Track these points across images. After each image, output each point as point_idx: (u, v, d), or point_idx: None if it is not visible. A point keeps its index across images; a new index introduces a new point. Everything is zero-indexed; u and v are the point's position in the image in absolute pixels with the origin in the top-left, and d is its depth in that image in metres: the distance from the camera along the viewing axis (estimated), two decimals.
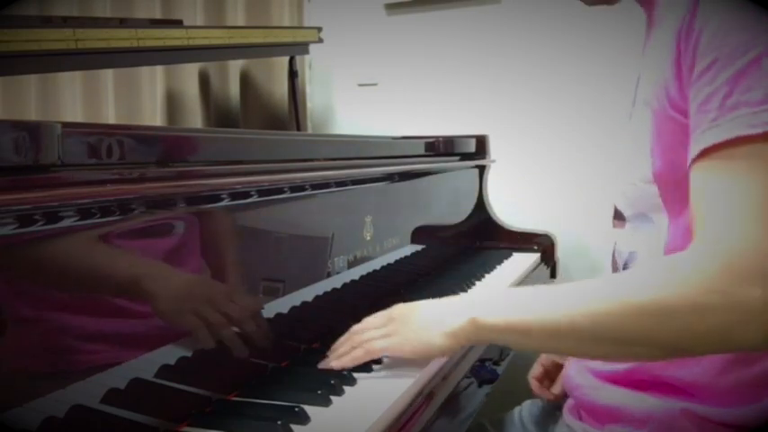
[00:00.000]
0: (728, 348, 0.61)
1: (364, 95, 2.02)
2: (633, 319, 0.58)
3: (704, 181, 0.60)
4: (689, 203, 0.62)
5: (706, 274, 0.55)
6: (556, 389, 0.96)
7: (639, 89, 0.74)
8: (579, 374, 0.77)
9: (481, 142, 1.66)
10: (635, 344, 0.60)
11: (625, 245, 0.77)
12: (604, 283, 0.64)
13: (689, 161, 0.61)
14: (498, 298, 0.72)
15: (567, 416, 0.80)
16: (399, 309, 0.78)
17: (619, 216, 0.78)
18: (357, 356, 0.75)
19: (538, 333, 0.64)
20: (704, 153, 0.59)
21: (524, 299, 0.69)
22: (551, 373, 0.99)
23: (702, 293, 0.55)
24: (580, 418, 0.77)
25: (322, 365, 0.76)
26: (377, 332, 0.76)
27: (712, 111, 0.58)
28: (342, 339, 0.79)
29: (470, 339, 0.70)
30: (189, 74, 2.06)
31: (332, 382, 0.71)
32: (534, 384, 0.99)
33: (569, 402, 0.80)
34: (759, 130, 0.55)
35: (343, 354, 0.76)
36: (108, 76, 2.16)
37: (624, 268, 0.76)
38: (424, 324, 0.73)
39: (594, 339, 0.61)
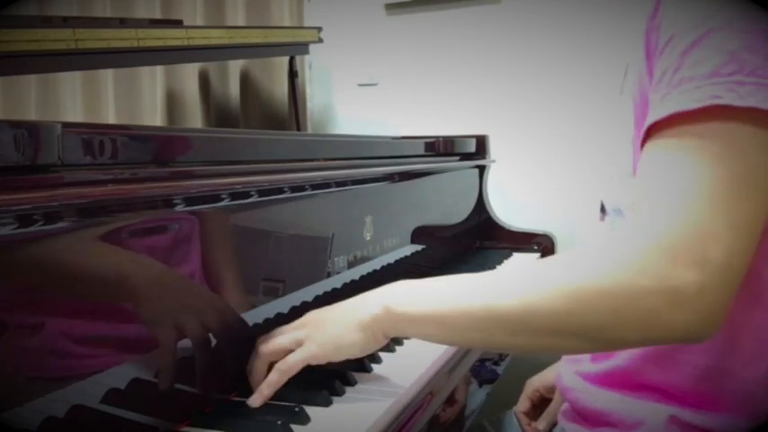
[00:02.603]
0: (654, 337, 0.55)
1: (364, 95, 2.02)
2: (565, 306, 0.54)
3: (648, 160, 0.57)
4: None
5: (640, 254, 0.52)
6: (541, 424, 0.93)
7: (626, 79, 0.73)
8: (569, 377, 0.76)
9: (481, 142, 1.66)
10: (559, 333, 0.56)
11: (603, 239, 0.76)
12: (532, 269, 0.61)
13: (639, 140, 0.59)
14: (417, 287, 0.67)
15: (561, 418, 0.80)
16: (312, 313, 0.72)
17: (603, 210, 0.78)
18: (272, 381, 0.66)
19: (454, 323, 0.61)
20: (650, 131, 0.57)
21: (444, 287, 0.64)
22: (539, 407, 0.96)
23: (635, 275, 0.52)
24: (573, 421, 0.76)
25: (250, 402, 0.66)
26: (286, 343, 0.68)
27: (662, 88, 0.56)
28: (251, 363, 0.69)
29: (386, 331, 0.66)
30: (189, 74, 2.06)
31: (332, 382, 0.71)
32: (523, 419, 0.95)
33: (564, 405, 0.80)
34: (699, 105, 0.52)
35: (257, 382, 0.67)
36: (108, 76, 2.16)
37: None
38: (338, 322, 0.68)
39: (518, 330, 0.58)
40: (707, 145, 0.53)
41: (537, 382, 0.97)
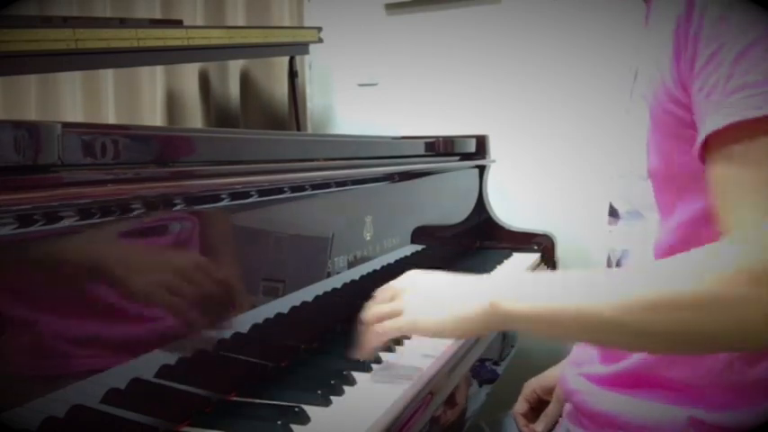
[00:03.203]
0: (748, 346, 0.58)
1: (364, 95, 2.02)
2: (670, 311, 0.55)
3: (721, 170, 0.57)
4: (684, 198, 0.61)
5: (747, 263, 0.52)
6: (539, 426, 0.93)
7: (637, 83, 0.73)
8: (574, 379, 0.76)
9: (481, 142, 1.66)
10: (668, 337, 0.56)
11: (618, 243, 0.76)
12: (640, 274, 0.61)
13: (696, 150, 0.59)
14: (523, 282, 0.68)
15: (565, 421, 0.79)
16: (413, 278, 0.75)
17: (614, 213, 0.78)
18: (372, 340, 0.72)
19: (568, 324, 0.61)
20: (711, 141, 0.57)
21: (553, 285, 0.64)
22: (536, 409, 0.96)
23: (743, 284, 0.52)
24: (579, 423, 0.76)
25: (354, 355, 0.74)
26: (384, 311, 0.72)
27: (716, 96, 0.56)
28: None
29: (488, 325, 0.66)
30: (189, 74, 2.06)
31: (332, 382, 0.71)
32: (520, 420, 0.95)
33: (567, 407, 0.80)
34: (762, 113, 0.53)
35: (364, 343, 0.74)
36: (108, 76, 2.16)
37: (617, 266, 0.75)
38: (443, 307, 0.69)
39: (628, 332, 0.57)
40: None
41: (535, 384, 0.97)
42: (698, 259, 0.56)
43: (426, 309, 0.70)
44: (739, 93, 0.55)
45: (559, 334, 0.65)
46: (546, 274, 0.66)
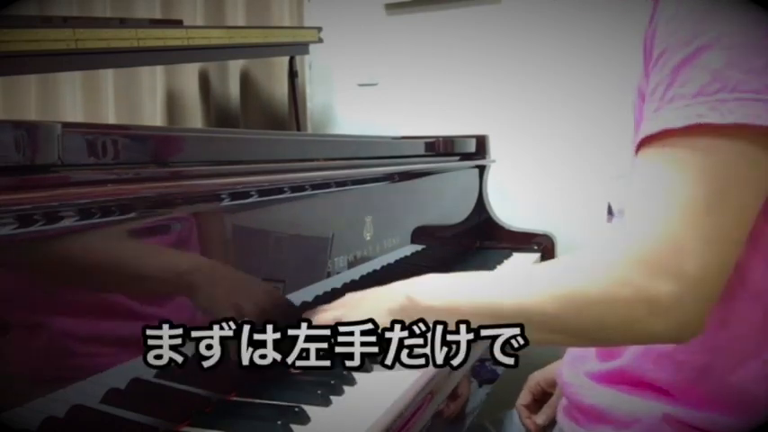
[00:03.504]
0: (637, 340, 0.62)
1: (364, 95, 2.02)
2: (553, 310, 0.58)
3: (637, 173, 0.60)
4: None
5: (620, 265, 0.55)
6: (540, 418, 0.95)
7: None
8: (571, 373, 0.77)
9: (481, 142, 1.66)
10: (555, 331, 0.60)
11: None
12: (532, 270, 0.66)
13: (633, 150, 0.61)
14: (441, 281, 0.73)
15: (560, 415, 0.80)
16: (350, 295, 0.79)
17: (610, 211, 0.78)
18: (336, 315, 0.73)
19: (465, 316, 0.62)
20: (641, 144, 0.59)
21: (461, 282, 0.70)
22: (539, 401, 0.97)
23: (615, 285, 0.55)
24: (572, 417, 0.77)
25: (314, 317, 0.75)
26: (328, 320, 0.73)
27: (656, 101, 0.58)
28: None
29: (410, 317, 0.66)
30: (189, 74, 2.06)
31: (332, 382, 0.71)
32: (523, 412, 0.97)
33: (563, 402, 0.81)
34: (686, 123, 0.55)
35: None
36: (108, 76, 2.16)
37: None
38: (371, 307, 0.72)
39: (531, 326, 0.61)
40: (689, 160, 0.55)
41: (539, 376, 0.98)
42: (586, 256, 0.60)
43: (359, 312, 0.71)
44: (676, 102, 0.56)
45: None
46: (464, 273, 0.72)
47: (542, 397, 0.97)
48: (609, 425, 0.70)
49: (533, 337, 0.61)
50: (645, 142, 0.59)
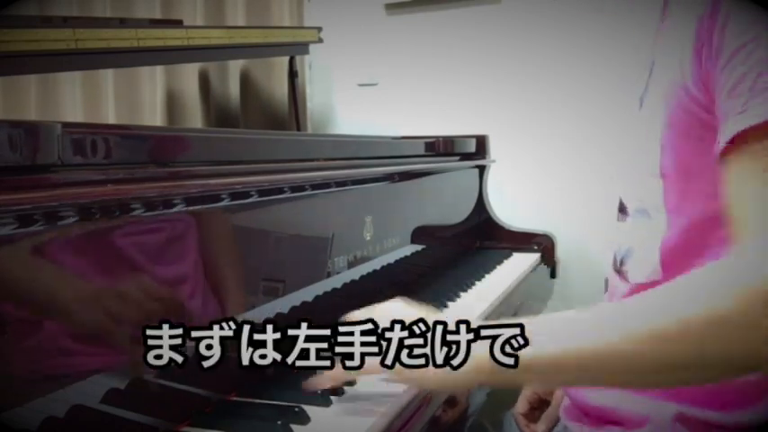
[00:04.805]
0: (753, 365, 0.54)
1: (364, 95, 2.02)
2: (692, 336, 0.52)
3: (740, 176, 0.55)
4: (695, 200, 0.60)
5: (753, 278, 0.50)
6: (539, 427, 0.92)
7: (653, 76, 0.71)
8: None
9: (481, 142, 1.66)
10: (688, 367, 0.53)
11: (624, 240, 0.76)
12: (650, 300, 0.57)
13: (717, 153, 0.57)
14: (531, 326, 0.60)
15: (563, 417, 0.79)
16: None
17: (623, 210, 0.77)
18: (338, 377, 0.66)
19: (579, 366, 0.56)
20: (734, 142, 0.55)
21: (561, 327, 0.60)
22: (537, 409, 0.94)
23: (747, 300, 0.50)
24: (576, 419, 0.76)
25: (314, 382, 0.66)
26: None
27: (742, 95, 0.54)
28: None
29: (478, 378, 0.59)
30: (189, 74, 2.06)
31: None
32: (521, 421, 0.94)
33: (566, 402, 0.80)
34: None
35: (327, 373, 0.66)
36: (108, 76, 2.16)
37: (621, 264, 0.75)
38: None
39: (647, 368, 0.54)
40: None
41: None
42: (704, 278, 0.54)
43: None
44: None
45: (563, 380, 0.62)
46: (538, 318, 0.61)
47: (539, 405, 0.96)
48: (618, 426, 0.68)
49: (660, 380, 0.56)
50: (741, 140, 0.54)
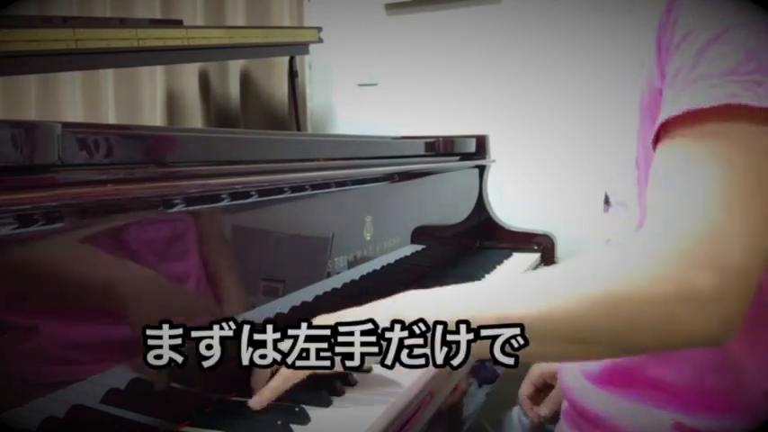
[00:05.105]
0: (673, 342, 0.55)
1: (364, 95, 2.02)
2: (583, 312, 0.53)
3: (661, 160, 0.56)
4: None
5: (658, 259, 0.51)
6: (543, 410, 0.92)
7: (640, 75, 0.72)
8: (571, 376, 0.75)
9: (481, 142, 1.66)
10: (576, 341, 0.55)
11: (606, 233, 0.76)
12: (550, 276, 0.59)
13: (651, 139, 0.58)
14: (429, 298, 0.63)
15: (562, 420, 0.79)
16: (320, 319, 0.66)
17: (607, 201, 0.78)
18: (275, 386, 0.64)
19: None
20: (662, 129, 0.56)
21: (456, 298, 0.62)
22: (542, 392, 0.95)
23: (653, 281, 0.51)
24: (575, 425, 0.76)
25: (251, 404, 0.65)
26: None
27: (677, 85, 0.55)
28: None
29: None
30: (189, 74, 2.06)
31: (332, 382, 0.71)
32: (526, 403, 0.95)
33: (564, 405, 0.80)
34: (715, 103, 0.51)
35: (260, 385, 0.65)
36: (108, 76, 2.16)
37: None
38: None
39: (535, 338, 0.55)
40: (723, 145, 0.52)
41: (543, 368, 0.97)
42: (612, 254, 0.57)
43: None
44: (701, 81, 0.53)
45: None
46: (451, 287, 0.63)
47: (544, 388, 0.96)
48: None
49: (553, 350, 0.57)
50: (667, 126, 0.55)
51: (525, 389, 0.96)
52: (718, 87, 0.52)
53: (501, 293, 0.61)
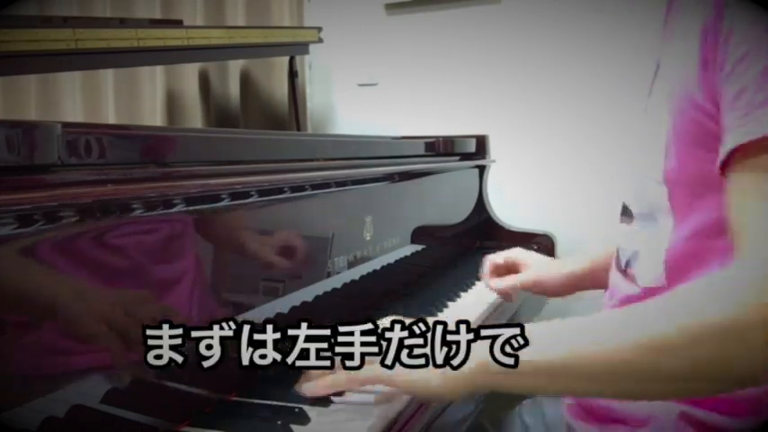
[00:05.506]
0: (758, 372, 0.53)
1: (364, 95, 2.02)
2: (689, 346, 0.52)
3: (740, 189, 0.55)
4: (699, 208, 0.60)
5: (747, 289, 0.50)
6: (499, 283, 1.00)
7: (657, 80, 0.71)
8: None
9: (481, 142, 1.66)
10: (685, 379, 0.53)
11: (629, 243, 0.76)
12: (632, 313, 0.57)
13: (718, 163, 0.57)
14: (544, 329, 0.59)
15: (566, 415, 0.79)
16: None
17: (627, 212, 0.77)
18: (338, 383, 0.61)
19: (570, 374, 0.56)
20: (734, 154, 0.55)
21: (549, 335, 0.58)
22: (501, 271, 1.02)
23: (742, 310, 0.50)
24: (581, 417, 0.76)
25: (303, 389, 0.63)
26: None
27: (742, 107, 0.54)
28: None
29: (476, 384, 0.58)
30: (189, 74, 2.06)
31: None
32: (487, 266, 1.02)
33: (568, 401, 0.80)
34: None
35: (321, 377, 0.62)
36: (108, 76, 2.16)
37: (626, 267, 0.75)
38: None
39: (639, 376, 0.54)
40: None
41: (521, 256, 1.02)
42: (705, 288, 0.54)
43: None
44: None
45: (561, 388, 0.62)
46: (538, 324, 0.60)
47: (505, 270, 1.01)
48: (622, 424, 0.68)
49: (656, 389, 0.55)
50: (741, 152, 0.54)
51: (496, 258, 1.02)
52: None
53: (588, 330, 0.58)
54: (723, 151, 0.56)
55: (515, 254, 1.02)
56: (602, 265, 0.86)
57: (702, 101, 0.60)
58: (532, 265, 1.00)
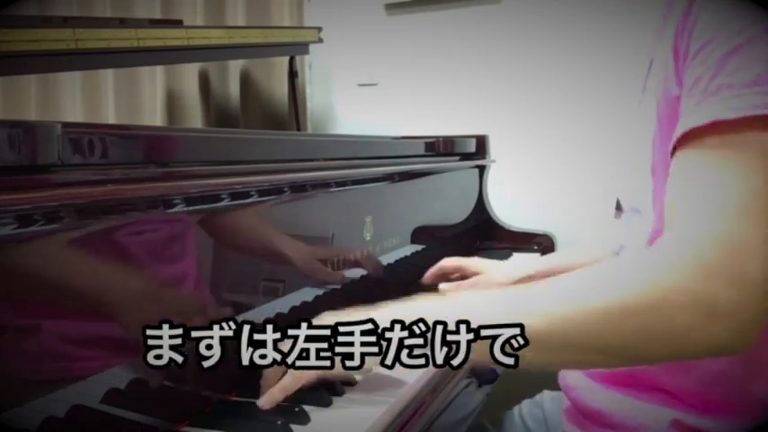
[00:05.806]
0: (685, 353, 0.55)
1: (364, 95, 2.02)
2: (595, 322, 0.53)
3: (680, 170, 0.56)
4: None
5: (675, 270, 0.51)
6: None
7: (650, 78, 0.71)
8: (574, 375, 0.76)
9: (481, 142, 1.66)
10: (592, 351, 0.55)
11: (619, 238, 0.76)
12: (564, 285, 0.58)
13: (669, 149, 0.58)
14: (452, 305, 0.63)
15: (563, 419, 0.79)
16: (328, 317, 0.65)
17: (619, 207, 0.77)
18: (285, 386, 0.63)
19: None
20: (683, 139, 0.56)
21: (483, 302, 0.62)
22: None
23: (670, 292, 0.51)
24: (576, 423, 0.76)
25: (260, 404, 0.63)
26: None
27: (697, 94, 0.55)
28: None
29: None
30: (189, 74, 2.06)
31: (332, 382, 0.70)
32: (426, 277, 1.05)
33: (566, 404, 0.80)
34: (739, 114, 0.51)
35: (269, 384, 0.64)
36: (108, 76, 2.16)
37: None
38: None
39: (545, 348, 0.55)
40: (746, 157, 0.52)
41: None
42: (628, 264, 0.56)
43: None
44: (723, 92, 0.53)
45: None
46: (477, 293, 0.65)
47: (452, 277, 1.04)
48: (613, 430, 0.69)
49: (564, 359, 0.57)
50: (689, 136, 0.55)
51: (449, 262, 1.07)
52: (741, 98, 0.52)
53: (519, 300, 0.60)
54: (675, 134, 0.57)
55: (471, 263, 1.03)
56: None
57: (674, 87, 0.60)
58: (483, 272, 1.02)
